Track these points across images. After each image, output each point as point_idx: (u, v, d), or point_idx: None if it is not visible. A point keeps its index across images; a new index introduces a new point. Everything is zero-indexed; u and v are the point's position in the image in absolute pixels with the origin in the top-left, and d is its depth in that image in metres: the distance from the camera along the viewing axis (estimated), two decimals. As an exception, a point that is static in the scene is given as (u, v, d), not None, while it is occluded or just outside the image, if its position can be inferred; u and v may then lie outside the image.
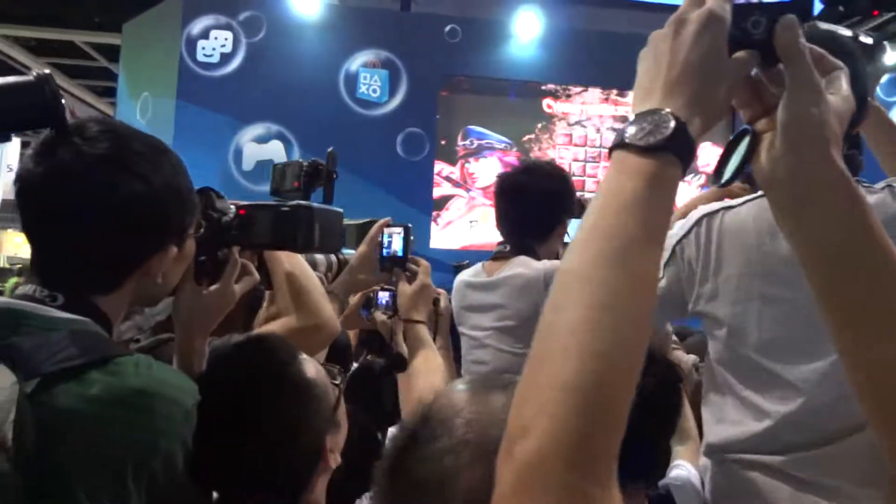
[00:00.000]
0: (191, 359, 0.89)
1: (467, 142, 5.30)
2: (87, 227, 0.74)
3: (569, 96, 5.35)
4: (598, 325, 0.42)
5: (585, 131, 5.33)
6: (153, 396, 0.69)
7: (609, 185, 0.48)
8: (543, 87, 5.33)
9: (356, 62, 5.26)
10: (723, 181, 0.60)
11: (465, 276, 1.64)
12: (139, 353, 0.77)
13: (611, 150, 0.51)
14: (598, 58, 5.26)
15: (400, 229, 1.28)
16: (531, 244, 1.56)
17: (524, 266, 1.50)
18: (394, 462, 0.57)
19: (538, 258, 1.55)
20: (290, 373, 0.82)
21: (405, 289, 1.23)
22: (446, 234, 5.24)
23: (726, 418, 1.11)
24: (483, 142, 5.30)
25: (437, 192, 5.26)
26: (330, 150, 1.26)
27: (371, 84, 5.26)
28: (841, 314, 0.52)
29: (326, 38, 5.27)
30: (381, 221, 1.28)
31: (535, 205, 1.55)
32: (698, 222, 1.16)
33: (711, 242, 1.13)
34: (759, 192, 1.14)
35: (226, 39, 5.26)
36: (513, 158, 5.30)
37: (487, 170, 5.28)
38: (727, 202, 1.18)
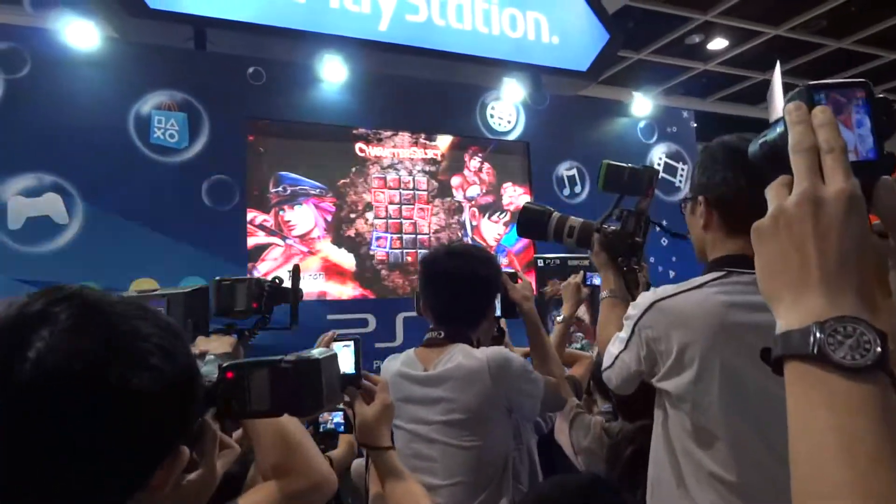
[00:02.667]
0: None
1: (280, 188, 5.07)
2: (77, 446, 0.52)
3: (380, 140, 5.39)
4: None
5: (399, 174, 5.42)
6: None
7: (834, 422, 0.42)
8: (355, 132, 5.31)
9: (148, 104, 4.76)
10: None
11: (396, 365, 1.55)
12: None
13: (784, 358, 0.47)
14: (404, 103, 5.40)
15: (349, 342, 1.16)
16: (464, 330, 1.53)
17: (464, 356, 1.46)
18: None
19: (473, 343, 1.53)
20: None
21: (364, 411, 1.10)
22: (265, 286, 4.95)
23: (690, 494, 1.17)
24: (297, 188, 5.11)
25: (251, 242, 4.93)
26: (295, 264, 1.11)
27: (167, 128, 4.79)
28: None
29: (109, 77, 4.69)
30: (329, 336, 1.15)
31: (465, 293, 1.53)
32: (651, 306, 1.24)
33: (670, 324, 1.21)
34: (697, 283, 1.24)
35: (-25, 75, 4.42)
36: (329, 204, 5.19)
37: (303, 217, 5.10)
38: (669, 291, 1.26)
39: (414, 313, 2.21)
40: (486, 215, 5.67)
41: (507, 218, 5.72)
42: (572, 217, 1.58)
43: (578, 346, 5.49)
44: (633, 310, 1.27)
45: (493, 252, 5.52)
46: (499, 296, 1.67)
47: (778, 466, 1.12)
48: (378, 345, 4.77)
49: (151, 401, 0.54)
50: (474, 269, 1.54)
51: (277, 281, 1.07)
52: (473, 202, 5.63)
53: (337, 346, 1.16)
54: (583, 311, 5.57)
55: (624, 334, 1.27)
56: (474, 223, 5.61)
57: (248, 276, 4.98)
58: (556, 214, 1.57)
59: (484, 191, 5.68)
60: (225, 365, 0.74)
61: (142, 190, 4.61)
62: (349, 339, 1.16)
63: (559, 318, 2.02)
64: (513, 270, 1.80)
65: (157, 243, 4.60)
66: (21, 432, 0.50)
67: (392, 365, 1.56)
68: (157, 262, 4.53)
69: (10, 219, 4.41)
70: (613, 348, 1.32)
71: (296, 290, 1.06)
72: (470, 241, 5.51)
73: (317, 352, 0.79)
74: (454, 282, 1.53)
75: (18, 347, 0.52)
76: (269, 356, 0.81)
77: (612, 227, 1.50)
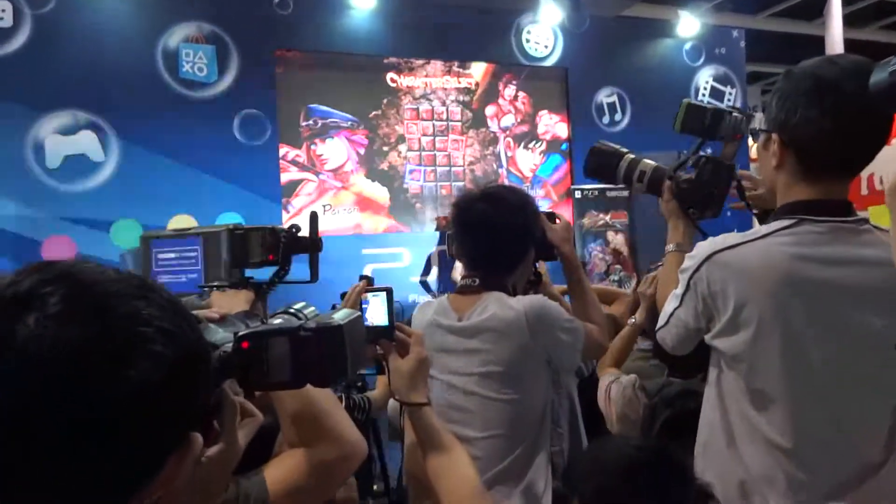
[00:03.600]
0: None
1: (310, 121, 4.98)
2: (68, 443, 0.47)
3: (412, 69, 5.22)
4: None
5: (432, 105, 5.27)
6: None
7: None
8: (385, 61, 5.15)
9: (175, 37, 4.67)
10: None
11: (429, 313, 1.49)
12: None
13: None
14: (435, 29, 5.19)
15: (381, 292, 1.10)
16: (500, 277, 1.46)
17: (500, 306, 1.40)
18: None
19: (508, 290, 1.46)
20: None
21: (398, 365, 1.04)
22: (299, 221, 4.93)
23: (744, 456, 1.10)
24: (328, 121, 5.02)
25: (284, 178, 4.91)
26: (312, 212, 1.04)
27: (196, 62, 4.71)
28: None
29: (134, 9, 4.60)
30: (360, 286, 1.09)
31: (501, 240, 1.44)
32: (708, 258, 1.14)
33: (728, 278, 1.11)
34: (762, 232, 1.13)
35: (3, 11, 4.38)
36: (361, 137, 5.10)
37: (335, 150, 5.03)
38: (730, 241, 1.16)
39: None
40: (522, 145, 5.50)
41: (543, 147, 5.55)
42: (645, 160, 1.45)
43: (616, 278, 5.41)
44: (689, 261, 1.16)
45: (528, 184, 5.39)
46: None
47: (837, 435, 1.05)
48: (413, 278, 4.77)
49: (152, 390, 0.48)
50: (510, 215, 1.44)
51: (294, 229, 1.02)
52: (508, 132, 5.47)
53: (368, 297, 1.11)
54: (621, 243, 5.46)
55: (679, 290, 1.18)
56: (509, 154, 5.46)
57: (283, 211, 4.98)
58: (627, 157, 1.44)
59: (519, 120, 5.50)
60: (240, 334, 0.68)
61: (175, 126, 4.59)
62: (381, 290, 1.11)
63: (630, 321, 1.91)
64: (550, 210, 1.70)
65: (193, 179, 4.61)
66: (5, 429, 0.46)
67: (424, 313, 1.50)
68: (194, 199, 4.55)
69: (48, 157, 4.45)
70: (668, 306, 1.22)
71: (314, 239, 1.00)
72: (505, 173, 5.39)
73: (339, 315, 0.72)
74: (488, 229, 1.44)
75: (1, 337, 0.46)
76: (288, 317, 0.75)
77: (687, 176, 1.37)
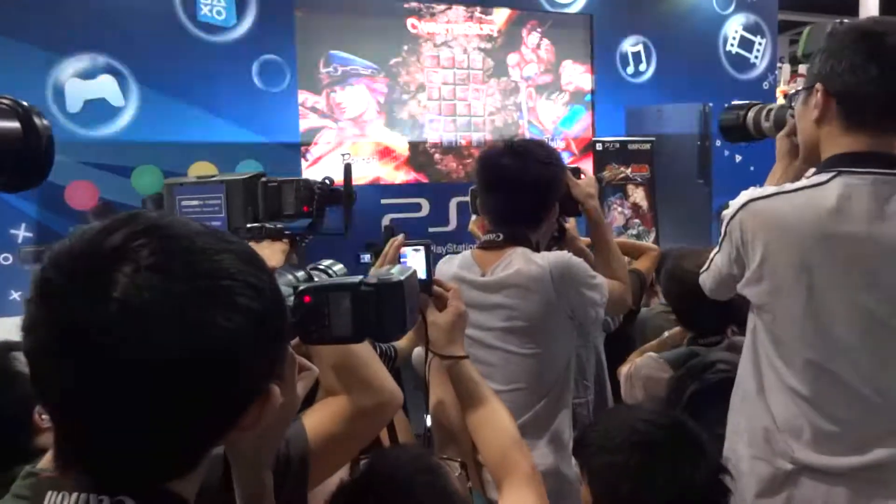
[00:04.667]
0: (262, 502, 0.70)
1: (331, 68, 4.91)
2: (163, 390, 0.49)
3: (433, 15, 5.10)
4: None
5: (453, 52, 5.16)
6: None
7: None
8: (406, 6, 5.03)
9: (192, -22, 4.57)
10: None
11: (453, 268, 1.51)
12: None
13: None
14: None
15: (419, 247, 1.11)
16: (524, 232, 1.46)
17: (524, 261, 1.41)
18: None
19: (532, 245, 1.47)
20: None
21: (437, 319, 1.06)
22: (318, 169, 4.93)
23: (773, 409, 1.12)
24: (348, 68, 4.94)
25: (303, 125, 4.87)
26: (346, 163, 1.04)
27: (214, 5, 4.62)
28: None
29: (151, -51, 4.50)
30: (398, 241, 1.10)
31: (526, 196, 1.45)
32: (744, 206, 1.15)
33: (759, 228, 1.11)
34: (800, 184, 1.13)
35: (18, -50, 4.30)
36: (382, 85, 5.02)
37: (356, 98, 4.97)
38: (768, 190, 1.15)
39: (468, 198, 2.13)
40: (544, 96, 5.40)
41: (567, 99, 5.45)
42: (774, 104, 1.43)
43: (634, 232, 5.37)
44: (730, 208, 1.18)
45: (549, 135, 5.32)
46: None
47: (868, 389, 1.05)
48: (432, 229, 4.77)
49: (241, 342, 0.51)
50: (536, 171, 1.44)
51: (328, 181, 1.02)
52: (531, 82, 5.36)
53: (406, 251, 1.12)
54: (641, 197, 5.40)
55: (721, 235, 1.19)
56: (531, 104, 5.37)
57: (302, 160, 4.97)
58: (756, 106, 1.43)
59: (542, 69, 5.38)
60: (301, 288, 0.69)
61: (193, 71, 4.54)
62: (419, 244, 1.12)
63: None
64: (575, 166, 1.69)
65: (212, 125, 4.59)
66: (104, 373, 0.48)
67: (448, 267, 1.52)
68: (213, 145, 4.54)
69: (68, 102, 4.44)
70: (714, 251, 1.24)
71: (349, 191, 1.01)
72: (525, 125, 5.31)
73: (396, 270, 0.73)
74: (514, 184, 1.44)
75: (101, 285, 0.48)
76: (318, 273, 0.77)
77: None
